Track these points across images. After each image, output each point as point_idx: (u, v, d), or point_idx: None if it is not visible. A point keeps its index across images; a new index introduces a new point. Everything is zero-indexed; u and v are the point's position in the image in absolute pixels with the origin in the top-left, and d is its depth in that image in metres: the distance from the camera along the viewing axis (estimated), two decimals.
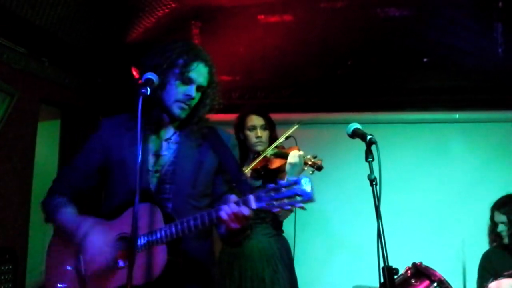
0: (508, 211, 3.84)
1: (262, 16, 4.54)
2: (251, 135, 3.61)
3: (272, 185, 2.04)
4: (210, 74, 2.39)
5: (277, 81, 4.57)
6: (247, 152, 3.66)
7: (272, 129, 3.68)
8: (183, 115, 2.34)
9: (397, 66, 4.33)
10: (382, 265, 2.12)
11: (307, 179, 1.99)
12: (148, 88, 2.14)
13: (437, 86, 4.36)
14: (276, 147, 3.54)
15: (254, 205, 2.06)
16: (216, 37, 4.51)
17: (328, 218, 4.54)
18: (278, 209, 2.03)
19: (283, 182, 2.04)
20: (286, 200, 2.01)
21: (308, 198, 1.99)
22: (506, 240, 3.83)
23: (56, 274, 2.34)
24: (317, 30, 4.35)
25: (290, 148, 3.49)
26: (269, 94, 4.64)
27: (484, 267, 3.88)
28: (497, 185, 4.21)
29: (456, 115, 4.44)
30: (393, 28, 4.26)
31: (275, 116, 3.77)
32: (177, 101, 2.30)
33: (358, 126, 2.45)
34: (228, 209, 2.06)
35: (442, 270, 3.65)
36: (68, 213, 2.34)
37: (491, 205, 4.00)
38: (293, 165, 3.29)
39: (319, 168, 3.35)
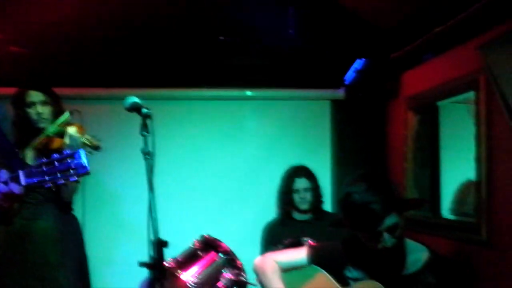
0: (308, 176, 4.08)
1: None
2: (31, 112, 3.40)
3: (44, 160, 1.94)
4: None
5: (64, 54, 4.33)
6: (32, 129, 3.42)
7: (56, 103, 3.49)
8: None
9: (192, 44, 4.34)
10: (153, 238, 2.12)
11: (82, 152, 1.92)
12: None
13: (232, 64, 4.45)
14: (60, 124, 3.38)
15: (24, 181, 1.94)
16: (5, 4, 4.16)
17: (115, 195, 4.47)
18: (50, 184, 1.94)
19: (56, 155, 1.94)
20: (59, 174, 1.92)
21: (82, 171, 1.92)
22: (305, 206, 4.06)
23: None
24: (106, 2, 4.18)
25: (71, 126, 3.36)
26: (59, 67, 4.39)
27: (266, 238, 4.09)
28: (286, 159, 4.41)
29: (248, 93, 4.61)
30: (188, 3, 4.26)
31: (62, 91, 3.61)
32: None
33: (136, 100, 2.43)
34: None
35: (233, 241, 3.80)
36: None
37: (282, 177, 4.21)
38: (69, 145, 3.14)
39: (96, 148, 3.26)
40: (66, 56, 4.26)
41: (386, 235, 2.38)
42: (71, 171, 1.91)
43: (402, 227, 2.44)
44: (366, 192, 2.37)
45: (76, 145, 3.12)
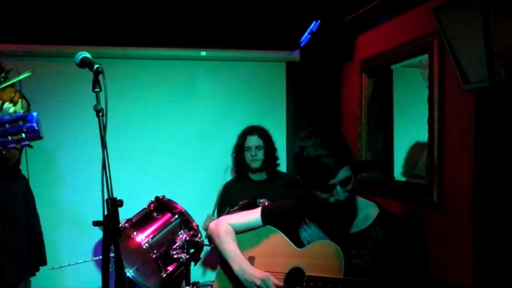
0: (260, 135, 4.11)
1: None
2: None
3: None
4: None
5: (12, 10, 4.14)
6: None
7: None
8: None
9: (146, 2, 4.22)
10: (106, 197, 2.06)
11: (34, 115, 1.84)
12: None
13: (186, 23, 4.36)
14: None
15: None
16: None
17: (67, 154, 4.37)
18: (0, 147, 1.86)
19: (7, 117, 1.85)
20: (10, 138, 1.84)
21: (34, 135, 1.84)
22: (256, 164, 4.08)
23: None
24: None
25: (6, 94, 3.22)
26: (5, 23, 4.21)
27: (222, 198, 4.11)
28: (241, 120, 4.43)
29: (203, 53, 4.53)
30: None
31: (8, 47, 3.51)
32: None
33: (88, 55, 2.34)
34: None
35: (188, 203, 3.79)
36: None
37: (235, 138, 4.22)
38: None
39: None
40: (14, 12, 4.08)
41: (339, 188, 2.40)
42: (23, 134, 1.84)
43: (354, 181, 2.47)
44: (319, 146, 2.38)
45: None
